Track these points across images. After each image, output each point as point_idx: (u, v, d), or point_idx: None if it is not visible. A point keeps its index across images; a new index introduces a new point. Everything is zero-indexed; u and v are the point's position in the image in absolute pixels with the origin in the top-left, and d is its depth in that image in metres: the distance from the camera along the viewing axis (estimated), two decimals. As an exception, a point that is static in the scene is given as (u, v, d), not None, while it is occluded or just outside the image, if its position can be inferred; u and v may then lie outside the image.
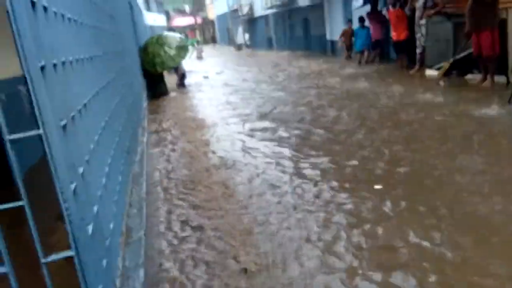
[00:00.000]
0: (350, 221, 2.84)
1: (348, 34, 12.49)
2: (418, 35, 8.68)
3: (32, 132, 1.12)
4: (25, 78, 1.10)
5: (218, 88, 10.97)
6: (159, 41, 10.54)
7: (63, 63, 1.45)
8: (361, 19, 11.15)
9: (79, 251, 1.21)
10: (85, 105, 1.71)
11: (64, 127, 1.29)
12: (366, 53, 11.38)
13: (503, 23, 6.40)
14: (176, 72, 11.97)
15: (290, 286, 2.21)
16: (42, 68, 1.16)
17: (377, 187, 3.37)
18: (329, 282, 2.21)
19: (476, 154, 3.81)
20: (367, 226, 2.74)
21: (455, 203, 2.94)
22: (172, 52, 10.28)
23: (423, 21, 8.47)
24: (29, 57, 1.07)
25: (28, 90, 1.14)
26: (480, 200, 2.93)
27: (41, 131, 1.12)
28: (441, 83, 7.14)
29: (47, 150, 1.13)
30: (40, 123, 1.12)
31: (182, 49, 10.60)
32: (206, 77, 13.86)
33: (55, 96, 1.27)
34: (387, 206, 2.99)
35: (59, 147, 1.17)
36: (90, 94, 1.93)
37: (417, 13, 8.51)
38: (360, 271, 2.27)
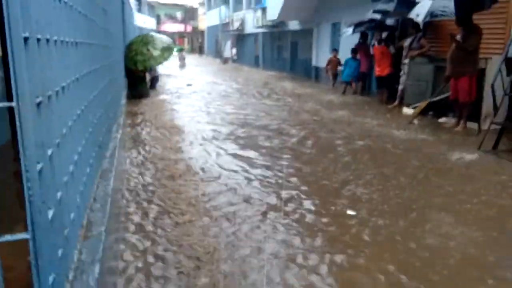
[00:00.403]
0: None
1: (334, 63, 12.63)
2: (401, 73, 8.96)
3: (5, 104, 1.07)
4: (2, 58, 1.06)
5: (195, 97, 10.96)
6: (144, 39, 10.47)
7: (47, 40, 1.40)
8: (354, 50, 11.22)
9: (35, 234, 1.15)
10: (63, 87, 1.66)
11: (39, 104, 1.24)
12: (353, 84, 11.43)
13: (482, 72, 6.68)
14: (149, 73, 11.80)
15: None
16: (26, 39, 1.12)
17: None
18: None
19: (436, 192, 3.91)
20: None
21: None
22: (156, 52, 10.19)
23: (406, 61, 8.76)
24: (13, 26, 1.03)
25: (4, 69, 1.09)
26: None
27: (14, 103, 1.07)
28: (415, 121, 7.34)
29: (17, 124, 1.08)
30: (14, 95, 1.07)
31: (166, 51, 10.50)
32: (189, 85, 13.82)
33: (34, 71, 1.23)
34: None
35: (30, 123, 1.12)
36: (69, 79, 1.88)
37: (404, 52, 8.80)
38: None
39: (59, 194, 1.45)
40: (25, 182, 1.11)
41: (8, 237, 1.12)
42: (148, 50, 10.06)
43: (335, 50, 12.91)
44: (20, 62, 1.08)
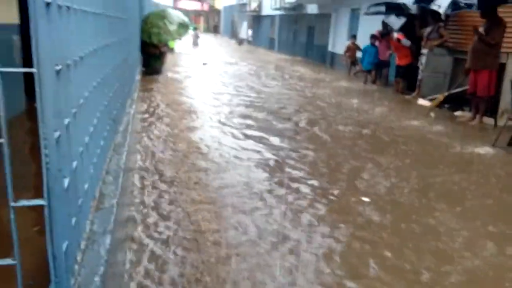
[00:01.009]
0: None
1: (353, 50, 12.18)
2: (419, 63, 8.80)
3: (26, 69, 1.06)
4: (20, 26, 1.05)
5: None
6: (162, 13, 10.46)
7: (68, 8, 1.39)
8: (373, 36, 10.81)
9: (51, 201, 1.16)
10: (81, 57, 1.65)
11: (58, 72, 1.24)
12: (373, 73, 11.04)
13: (502, 66, 6.53)
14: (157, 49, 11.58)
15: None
16: (48, 4, 1.11)
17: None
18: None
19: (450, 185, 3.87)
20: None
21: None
22: (172, 27, 10.15)
23: (425, 51, 8.58)
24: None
25: (21, 38, 1.08)
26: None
27: (35, 69, 1.06)
28: (432, 114, 7.23)
29: (37, 90, 1.07)
30: (35, 61, 1.07)
31: (182, 27, 10.46)
32: (205, 64, 13.81)
33: (54, 38, 1.22)
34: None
35: (50, 90, 1.12)
36: (88, 49, 1.87)
37: (423, 42, 8.62)
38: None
39: (74, 164, 1.46)
40: (43, 149, 1.11)
41: (24, 202, 1.12)
42: (164, 24, 10.02)
43: (353, 36, 12.51)
44: (42, 27, 1.07)
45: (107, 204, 2.02)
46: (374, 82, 10.94)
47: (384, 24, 10.44)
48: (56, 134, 1.20)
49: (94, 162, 2.01)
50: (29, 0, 1.04)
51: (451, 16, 8.24)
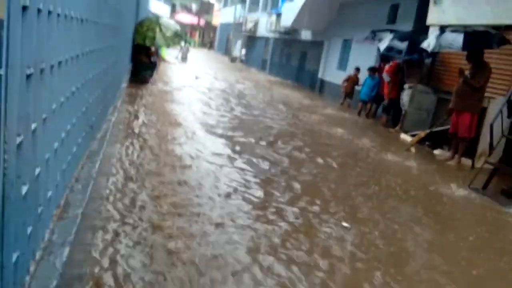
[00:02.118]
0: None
1: (352, 81, 11.99)
2: (401, 98, 8.98)
3: (-8, 70, 1.03)
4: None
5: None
6: (159, 20, 10.57)
7: (50, 12, 1.37)
8: (371, 69, 10.68)
9: (4, 209, 1.11)
10: (59, 62, 1.62)
11: (29, 76, 1.20)
12: (368, 106, 10.79)
13: (483, 110, 6.70)
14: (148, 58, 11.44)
15: None
16: (24, 8, 1.08)
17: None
18: None
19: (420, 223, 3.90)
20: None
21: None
22: (168, 33, 10.22)
23: (406, 86, 8.77)
24: (13, -8, 1.00)
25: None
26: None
27: (2, 71, 1.03)
28: (412, 149, 7.33)
29: (2, 93, 1.04)
30: (4, 63, 1.04)
31: (176, 37, 10.55)
32: (197, 78, 13.85)
33: (29, 42, 1.19)
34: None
35: (16, 94, 1.09)
36: (69, 55, 1.84)
37: (405, 79, 8.86)
38: None
39: (37, 170, 1.41)
40: (1, 154, 1.06)
41: (-25, 208, 1.08)
42: (160, 29, 10.08)
43: (357, 69, 12.02)
44: (15, 31, 1.04)
45: (71, 214, 1.96)
46: (367, 115, 10.75)
47: (384, 56, 10.02)
48: (19, 139, 1.16)
49: (63, 169, 1.95)
50: (5, 2, 1.02)
51: (437, 56, 8.47)
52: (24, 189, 1.25)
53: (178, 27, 10.94)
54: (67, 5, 1.68)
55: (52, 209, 1.76)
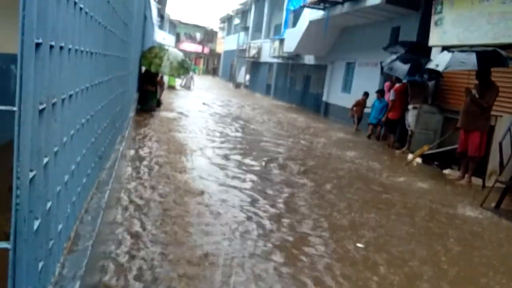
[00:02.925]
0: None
1: (361, 106, 12.05)
2: (406, 119, 9.00)
3: (6, 107, 1.04)
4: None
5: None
6: (169, 49, 10.78)
7: (61, 47, 1.39)
8: (379, 91, 10.74)
9: (17, 245, 1.10)
10: (70, 95, 1.64)
11: (42, 111, 1.22)
12: (378, 128, 10.83)
13: (492, 128, 6.66)
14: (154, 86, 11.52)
15: None
16: (38, 45, 1.11)
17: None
18: None
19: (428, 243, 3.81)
20: None
21: None
22: (174, 63, 10.38)
23: (410, 107, 8.79)
24: (27, 30, 1.02)
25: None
26: None
27: (15, 108, 1.04)
28: (414, 163, 7.26)
29: (15, 129, 1.05)
30: (17, 100, 1.05)
31: (182, 67, 10.70)
32: (205, 104, 14.03)
33: (42, 78, 1.21)
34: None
35: (29, 129, 1.09)
36: (79, 87, 1.86)
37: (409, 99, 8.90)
38: None
39: (49, 204, 1.41)
40: (14, 190, 1.07)
41: (-12, 244, 1.07)
42: (168, 59, 10.25)
43: (365, 94, 12.09)
44: (28, 68, 1.06)
45: (81, 246, 1.94)
46: (378, 137, 10.71)
47: (389, 76, 9.99)
48: (31, 174, 1.16)
49: (73, 201, 1.95)
50: (19, 36, 1.04)
51: (441, 76, 8.49)
52: (36, 224, 1.24)
53: (185, 59, 11.11)
54: (78, 40, 1.71)
55: (62, 242, 1.75)
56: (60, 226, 1.63)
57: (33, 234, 1.22)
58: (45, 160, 1.31)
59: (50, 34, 1.23)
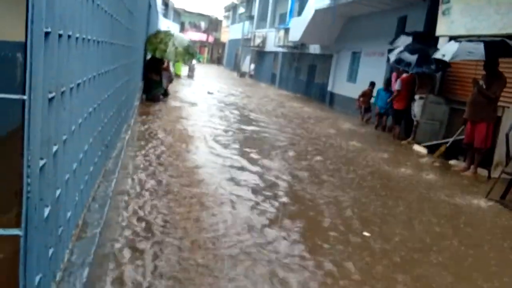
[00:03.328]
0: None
1: (367, 96, 11.88)
2: (412, 109, 8.94)
3: (16, 96, 1.05)
4: (25, 44, 1.04)
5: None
6: (175, 35, 10.68)
7: (69, 36, 1.40)
8: (387, 81, 10.56)
9: (28, 232, 1.12)
10: (78, 84, 1.65)
11: (51, 100, 1.23)
12: (384, 118, 10.70)
13: (498, 119, 6.61)
14: (165, 77, 11.55)
15: None
16: (47, 34, 1.11)
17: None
18: None
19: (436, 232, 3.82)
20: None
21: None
22: (179, 49, 10.29)
23: (416, 97, 8.72)
24: (36, 19, 1.02)
25: (25, 57, 1.08)
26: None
27: (25, 96, 1.05)
28: (436, 163, 7.18)
29: (25, 117, 1.06)
30: (27, 88, 1.06)
31: (188, 53, 10.61)
32: (210, 93, 13.98)
33: (51, 66, 1.22)
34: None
35: (39, 118, 1.10)
36: (87, 76, 1.87)
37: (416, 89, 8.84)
38: None
39: (58, 192, 1.42)
40: (25, 178, 1.08)
41: (0, 231, 1.09)
42: (173, 44, 10.16)
43: (371, 84, 11.88)
44: (37, 57, 1.07)
45: (89, 233, 1.96)
46: (384, 128, 10.62)
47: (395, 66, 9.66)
48: (42, 162, 1.18)
49: (81, 189, 1.97)
50: (28, 25, 1.05)
51: (448, 66, 8.39)
52: (46, 211, 1.26)
53: (190, 45, 11.02)
54: (85, 29, 1.71)
55: (71, 229, 1.77)
56: (69, 214, 1.66)
57: (43, 222, 1.24)
58: (55, 148, 1.32)
59: (58, 23, 1.23)
